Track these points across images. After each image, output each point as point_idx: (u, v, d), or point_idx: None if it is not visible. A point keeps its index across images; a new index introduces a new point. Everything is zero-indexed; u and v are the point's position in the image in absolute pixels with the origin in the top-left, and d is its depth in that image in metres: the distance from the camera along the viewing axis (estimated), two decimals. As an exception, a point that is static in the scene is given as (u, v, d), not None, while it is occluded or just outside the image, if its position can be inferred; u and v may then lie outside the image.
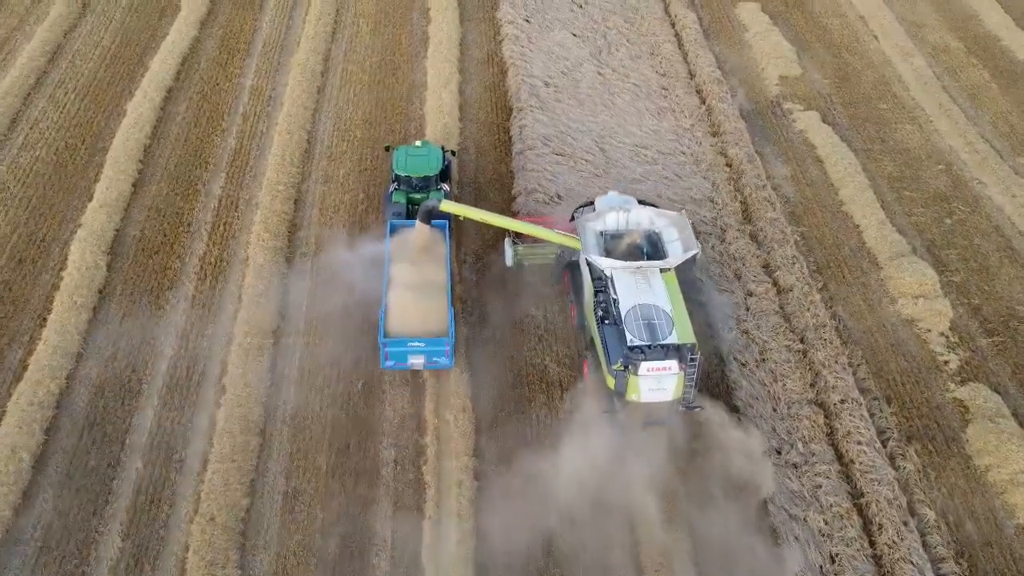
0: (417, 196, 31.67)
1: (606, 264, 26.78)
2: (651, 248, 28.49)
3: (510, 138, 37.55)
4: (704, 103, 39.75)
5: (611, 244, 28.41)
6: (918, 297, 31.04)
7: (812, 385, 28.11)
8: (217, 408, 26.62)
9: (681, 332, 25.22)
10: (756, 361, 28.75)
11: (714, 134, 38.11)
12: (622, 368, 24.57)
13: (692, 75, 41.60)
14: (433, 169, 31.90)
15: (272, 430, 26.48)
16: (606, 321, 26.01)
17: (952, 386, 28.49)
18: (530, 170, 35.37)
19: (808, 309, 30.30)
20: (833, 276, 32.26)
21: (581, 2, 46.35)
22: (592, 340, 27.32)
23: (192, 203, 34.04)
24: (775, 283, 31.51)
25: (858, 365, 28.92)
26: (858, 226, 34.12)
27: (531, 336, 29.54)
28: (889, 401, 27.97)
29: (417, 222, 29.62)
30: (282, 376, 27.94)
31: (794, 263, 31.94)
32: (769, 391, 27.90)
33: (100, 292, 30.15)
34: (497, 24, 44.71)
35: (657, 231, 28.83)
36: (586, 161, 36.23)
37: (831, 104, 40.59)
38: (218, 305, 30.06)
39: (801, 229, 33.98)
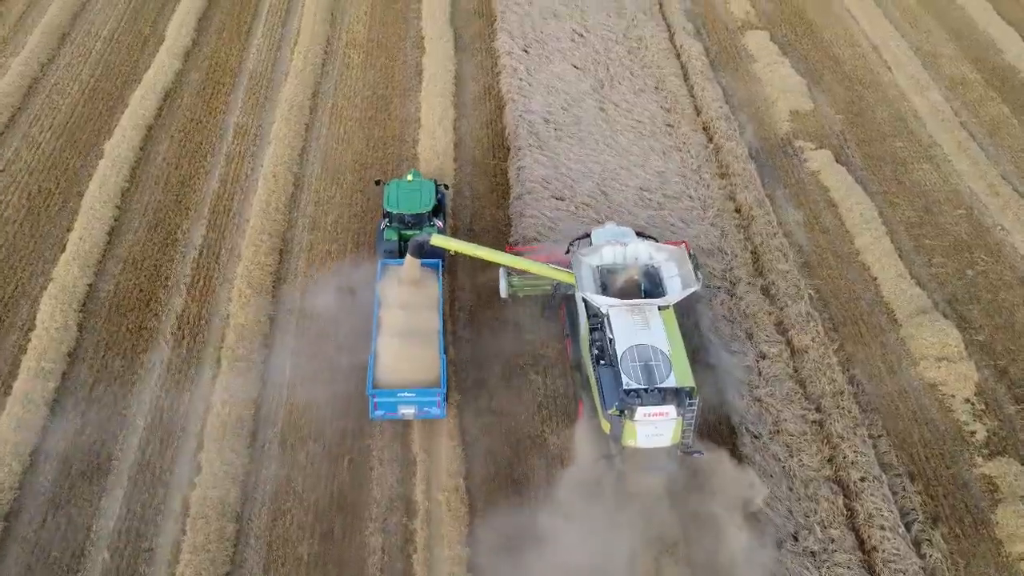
0: (410, 233, 30.45)
1: (602, 302, 25.50)
2: (649, 284, 27.13)
3: (507, 180, 35.69)
4: (711, 141, 37.86)
5: (608, 279, 27.09)
6: (941, 359, 29.15)
7: (830, 460, 26.27)
8: (192, 489, 24.72)
9: (680, 374, 23.97)
10: (770, 433, 26.88)
11: (722, 176, 36.24)
12: (618, 413, 23.47)
13: (699, 111, 39.70)
14: (426, 205, 30.76)
15: (250, 514, 24.57)
16: (602, 361, 24.86)
17: (979, 460, 26.62)
18: (528, 216, 33.51)
19: (824, 373, 28.45)
20: (850, 335, 30.38)
21: (582, 31, 44.46)
22: (587, 379, 26.20)
23: (171, 254, 32.14)
24: (789, 343, 29.67)
25: (879, 436, 27.09)
26: (875, 278, 32.24)
27: (530, 401, 27.69)
28: (913, 478, 26.11)
29: (407, 256, 28.36)
30: (262, 452, 26.05)
31: (809, 321, 30.07)
32: (784, 467, 26.05)
33: (69, 356, 28.23)
34: (494, 55, 42.83)
35: (656, 266, 27.43)
36: (587, 206, 34.33)
37: (844, 142, 38.72)
38: (195, 371, 28.16)
39: (815, 282, 32.09)
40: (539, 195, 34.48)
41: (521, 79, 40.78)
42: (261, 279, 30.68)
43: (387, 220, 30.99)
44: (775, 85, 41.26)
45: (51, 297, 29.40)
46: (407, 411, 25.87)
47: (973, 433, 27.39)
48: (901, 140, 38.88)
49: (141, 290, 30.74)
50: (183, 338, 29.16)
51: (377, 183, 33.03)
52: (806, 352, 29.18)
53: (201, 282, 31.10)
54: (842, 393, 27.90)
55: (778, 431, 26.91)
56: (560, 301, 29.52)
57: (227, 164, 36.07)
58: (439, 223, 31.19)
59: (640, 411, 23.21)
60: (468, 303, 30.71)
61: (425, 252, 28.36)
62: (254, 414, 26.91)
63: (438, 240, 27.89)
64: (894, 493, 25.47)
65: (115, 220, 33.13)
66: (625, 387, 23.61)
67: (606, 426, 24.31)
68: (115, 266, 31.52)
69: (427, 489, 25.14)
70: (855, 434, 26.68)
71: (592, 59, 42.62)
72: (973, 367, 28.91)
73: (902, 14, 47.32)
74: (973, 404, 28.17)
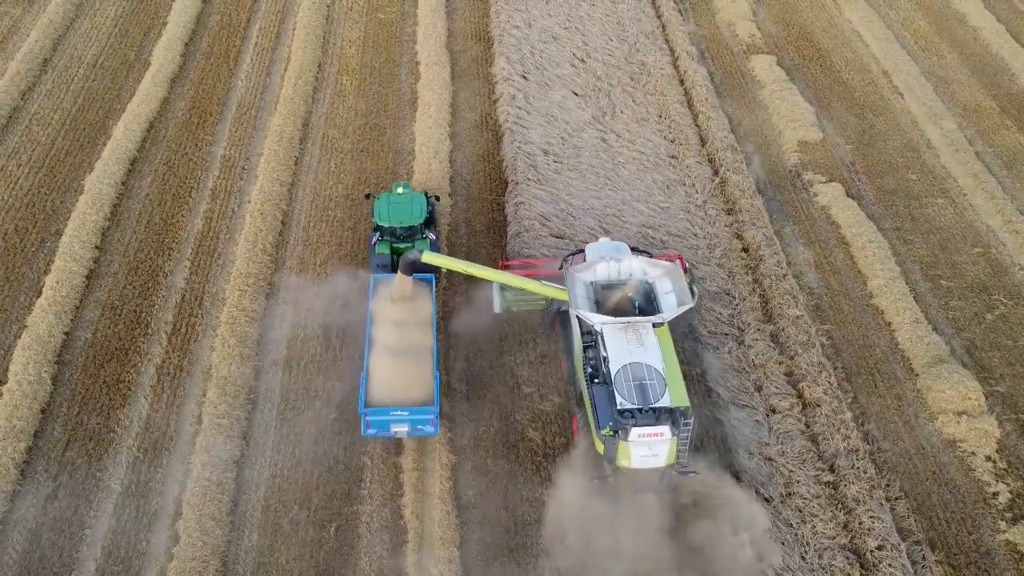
0: (402, 246, 30.30)
1: (596, 320, 25.09)
2: (644, 300, 26.68)
3: (505, 217, 34.24)
4: (717, 174, 36.37)
5: (601, 295, 26.66)
6: (960, 413, 27.70)
7: (845, 526, 24.80)
8: (169, 561, 23.25)
9: (674, 394, 23.68)
10: (781, 496, 25.42)
11: (728, 211, 34.78)
12: (612, 434, 23.16)
13: (704, 140, 38.23)
14: (417, 218, 30.45)
15: (231, 590, 23.21)
16: (595, 380, 24.55)
17: (1003, 525, 25.17)
18: (526, 256, 32.09)
19: (838, 430, 26.99)
20: (864, 386, 28.92)
21: (583, 56, 43.00)
22: (581, 397, 25.88)
23: (151, 299, 30.67)
24: (800, 396, 28.22)
25: (896, 499, 25.62)
26: (890, 324, 30.77)
27: (528, 461, 26.24)
28: (933, 546, 24.63)
29: (398, 275, 27.84)
30: (244, 518, 24.58)
31: (821, 371, 28.62)
32: (797, 535, 24.59)
33: (43, 412, 26.80)
34: (492, 81, 41.39)
35: (650, 282, 27.02)
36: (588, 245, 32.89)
37: (855, 174, 37.25)
38: (175, 428, 26.71)
39: (827, 327, 30.62)
40: (538, 233, 33.04)
41: (519, 107, 39.31)
42: (246, 327, 29.22)
43: (379, 234, 30.53)
44: (782, 113, 39.80)
45: (24, 348, 27.92)
46: (400, 429, 25.21)
47: (995, 495, 25.93)
48: (914, 172, 37.41)
49: (120, 339, 29.29)
50: (163, 392, 27.70)
51: (367, 196, 32.66)
52: (818, 406, 27.73)
53: (183, 330, 29.65)
54: (857, 451, 26.46)
55: (790, 494, 25.45)
56: (554, 316, 28.90)
57: (212, 200, 34.61)
58: (432, 235, 30.74)
59: (634, 432, 22.87)
60: (465, 353, 29.34)
61: (417, 269, 27.81)
62: (236, 476, 25.46)
63: (430, 257, 27.27)
64: (913, 563, 24.02)
65: (94, 262, 31.68)
66: (619, 407, 23.23)
67: (600, 446, 23.78)
68: (93, 312, 30.07)
69: (419, 560, 23.70)
70: (871, 497, 25.24)
71: (593, 86, 41.15)
72: (994, 422, 27.45)
73: (913, 37, 45.82)
74: (995, 463, 26.72)
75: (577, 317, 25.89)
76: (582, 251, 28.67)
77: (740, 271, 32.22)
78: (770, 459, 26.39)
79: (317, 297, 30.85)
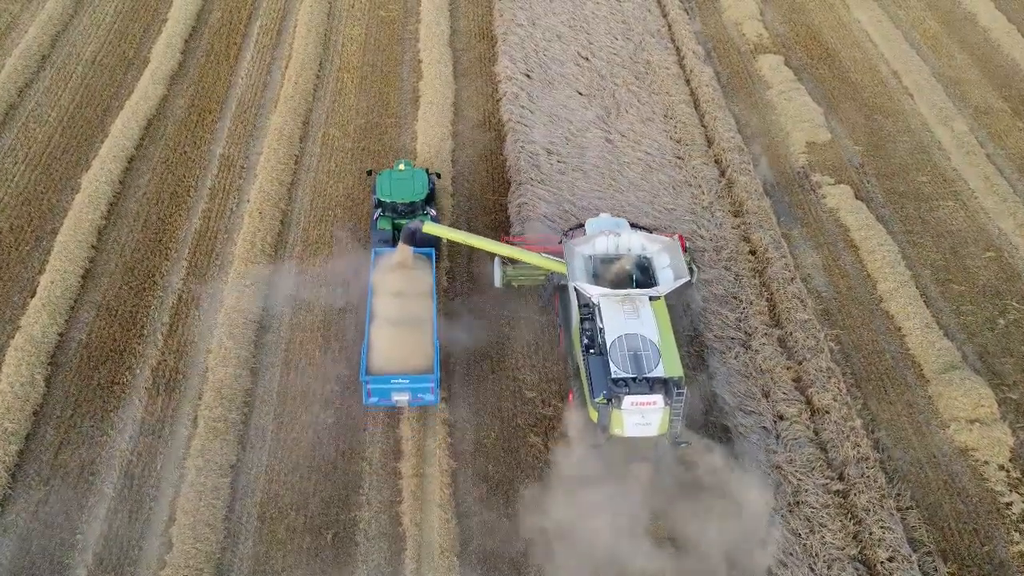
0: (403, 222, 30.52)
1: (593, 291, 25.63)
2: (641, 274, 27.22)
3: (508, 217, 33.65)
4: (724, 175, 35.77)
5: (600, 269, 27.21)
6: (973, 421, 27.07)
7: (855, 537, 24.15)
8: (162, 568, 22.62)
9: (668, 364, 24.18)
10: (789, 506, 24.81)
11: (735, 214, 34.17)
12: (605, 401, 23.58)
13: (710, 141, 37.63)
14: (419, 195, 30.93)
15: (224, 601, 22.64)
16: (591, 351, 25.02)
17: (1016, 536, 24.51)
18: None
19: (848, 437, 26.35)
20: (874, 392, 28.31)
21: (587, 54, 42.41)
22: (578, 369, 26.23)
23: (148, 300, 30.11)
24: (808, 402, 27.60)
25: (907, 509, 24.99)
26: (900, 329, 30.14)
27: (530, 466, 25.72)
28: (945, 557, 24.02)
29: (400, 244, 28.45)
30: (239, 525, 23.99)
31: (830, 377, 27.99)
32: (805, 545, 23.98)
33: (35, 415, 26.23)
34: (495, 80, 40.80)
35: (648, 256, 27.56)
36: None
37: (864, 176, 36.62)
38: (170, 432, 26.14)
39: (836, 332, 30.00)
40: (541, 234, 32.43)
41: (523, 106, 38.74)
42: (243, 329, 28.67)
43: (380, 210, 30.94)
44: (790, 114, 39.17)
45: (17, 349, 27.35)
46: (400, 398, 25.75)
47: (1009, 505, 25.29)
48: (924, 174, 36.78)
49: (115, 340, 28.73)
50: (158, 394, 27.13)
51: (369, 173, 33.01)
52: (827, 413, 27.10)
53: (179, 331, 29.09)
54: (867, 459, 25.82)
55: (798, 503, 24.82)
56: (554, 291, 29.32)
57: (211, 199, 34.06)
58: (432, 211, 31.12)
59: (627, 400, 23.21)
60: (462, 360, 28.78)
61: (418, 241, 28.28)
62: (231, 482, 24.87)
63: (431, 228, 27.79)
64: (924, 575, 23.41)
65: (90, 262, 31.12)
66: (613, 376, 23.61)
67: (594, 415, 24.24)
68: (88, 312, 29.52)
69: (418, 568, 23.11)
70: (882, 507, 24.61)
71: (598, 85, 40.56)
72: (1007, 430, 26.80)
73: (923, 38, 45.17)
74: (1008, 472, 26.08)
75: (575, 290, 26.31)
76: (582, 226, 29.13)
77: (747, 274, 31.60)
78: (778, 467, 25.78)
79: (317, 299, 30.33)
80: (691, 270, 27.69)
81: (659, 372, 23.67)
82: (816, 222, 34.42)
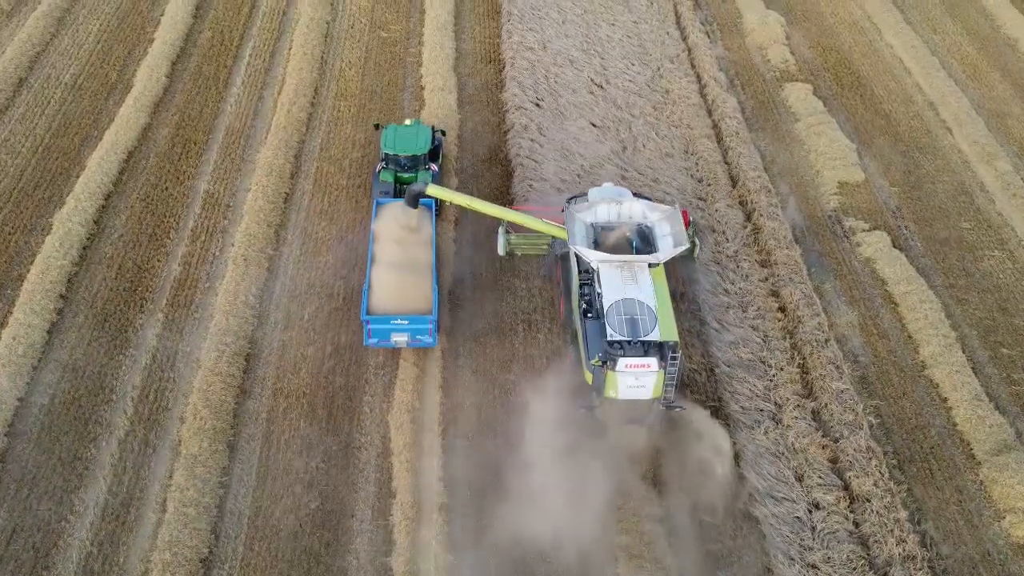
0: (405, 176, 31.64)
1: (592, 256, 26.04)
2: (642, 242, 27.48)
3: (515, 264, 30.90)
4: (750, 220, 32.94)
5: (601, 236, 27.50)
6: (1032, 512, 24.32)
7: (903, 653, 21.48)
8: None
9: (664, 329, 24.41)
10: (829, 614, 22.11)
11: (763, 264, 31.34)
12: (600, 364, 23.78)
13: (734, 181, 34.80)
14: (421, 148, 31.57)
15: None
16: (589, 315, 25.35)
17: (1084, 653, 21.83)
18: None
19: (891, 531, 23.57)
20: (919, 476, 25.50)
21: (601, 81, 39.60)
22: (575, 335, 26.65)
23: (119, 359, 27.41)
24: (847, 487, 24.81)
25: (960, 619, 22.29)
26: (946, 400, 27.33)
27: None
28: None
29: (403, 206, 29.12)
30: (208, 632, 21.42)
31: (870, 459, 25.19)
32: (847, 664, 21.26)
33: (-13, 495, 23.68)
34: (503, 109, 38.03)
35: (649, 225, 27.88)
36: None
37: (902, 221, 33.75)
38: (134, 520, 23.41)
39: (875, 403, 27.19)
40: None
41: (532, 139, 35.93)
42: (221, 395, 25.99)
43: (384, 162, 31.82)
44: (820, 150, 36.29)
45: (-30, 419, 24.82)
46: (400, 339, 26.70)
47: (1075, 614, 22.56)
48: (967, 219, 33.89)
49: (80, 406, 26.03)
50: (124, 471, 24.45)
51: (376, 127, 33.88)
52: (868, 500, 24.31)
53: (151, 397, 26.38)
54: (914, 559, 23.06)
55: (838, 611, 22.12)
56: (556, 261, 29.68)
57: (192, 242, 31.36)
58: (435, 167, 32.00)
59: (622, 362, 23.45)
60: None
61: (420, 203, 29.27)
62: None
63: (433, 190, 28.63)
64: None
65: (58, 314, 28.46)
66: (609, 338, 23.89)
67: (589, 377, 24.68)
68: (52, 374, 26.81)
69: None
70: (932, 618, 21.91)
71: (613, 115, 37.74)
72: (1071, 524, 24.04)
73: (960, 65, 42.21)
74: (1073, 574, 23.32)
75: (576, 257, 26.61)
76: (585, 194, 29.25)
77: (776, 334, 28.81)
78: (814, 566, 22.99)
79: (303, 360, 27.67)
80: (694, 244, 28.39)
81: (655, 336, 23.99)
82: (851, 274, 31.57)
